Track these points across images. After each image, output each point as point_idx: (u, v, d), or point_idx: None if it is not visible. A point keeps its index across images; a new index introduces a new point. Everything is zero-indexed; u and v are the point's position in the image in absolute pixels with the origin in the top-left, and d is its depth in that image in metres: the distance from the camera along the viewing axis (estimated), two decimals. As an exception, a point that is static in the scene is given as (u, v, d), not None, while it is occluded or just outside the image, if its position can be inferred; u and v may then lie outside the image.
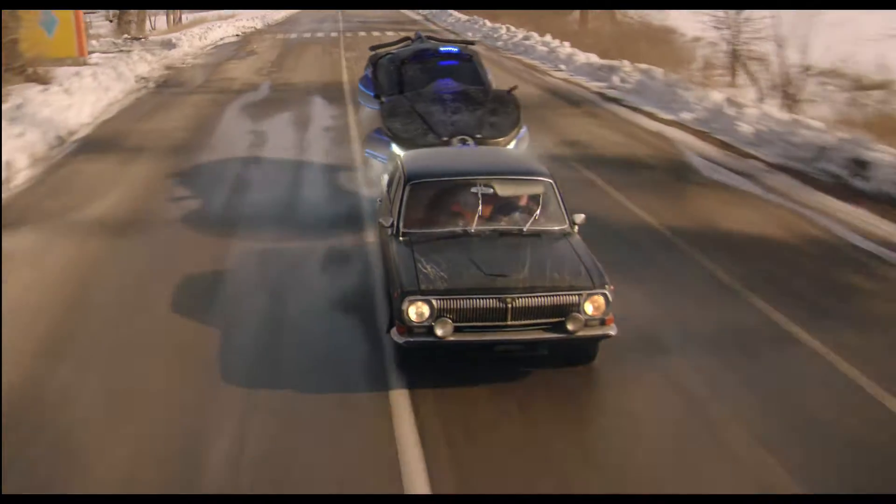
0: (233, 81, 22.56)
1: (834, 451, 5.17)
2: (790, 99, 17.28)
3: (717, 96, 15.55)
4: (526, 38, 29.88)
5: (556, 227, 6.56)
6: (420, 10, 57.25)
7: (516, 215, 6.67)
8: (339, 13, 56.71)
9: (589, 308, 5.78)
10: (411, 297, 5.74)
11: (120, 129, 15.84)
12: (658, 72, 18.87)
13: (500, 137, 9.51)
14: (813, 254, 8.65)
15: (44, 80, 21.47)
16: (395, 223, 6.58)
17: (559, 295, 5.80)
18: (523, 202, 6.78)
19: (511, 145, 9.63)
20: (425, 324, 5.73)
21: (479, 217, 6.55)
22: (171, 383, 6.05)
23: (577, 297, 5.78)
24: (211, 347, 6.56)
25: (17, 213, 10.12)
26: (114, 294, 7.71)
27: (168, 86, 22.17)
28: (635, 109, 16.93)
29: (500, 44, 31.54)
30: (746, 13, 20.96)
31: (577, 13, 37.32)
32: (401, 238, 6.46)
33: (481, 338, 5.79)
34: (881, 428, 5.42)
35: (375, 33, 37.45)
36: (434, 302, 5.74)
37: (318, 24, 47.88)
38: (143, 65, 24.87)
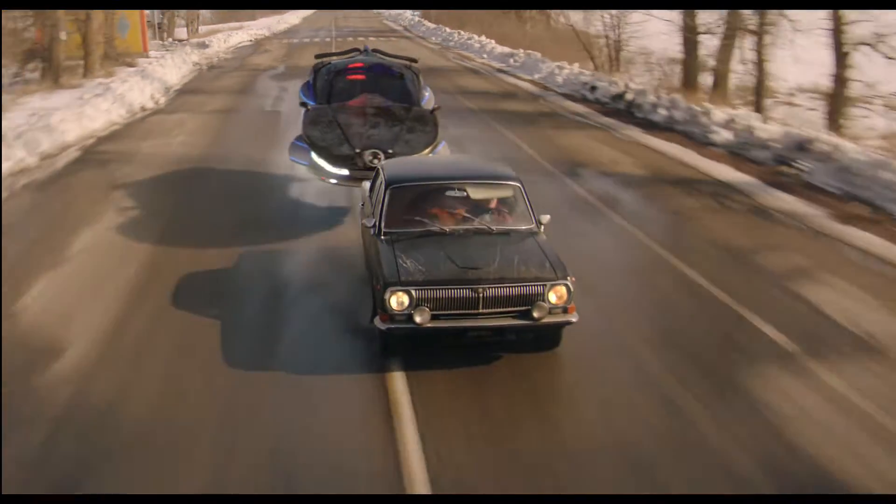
0: (258, 65, 33.13)
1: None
2: (609, 67, 27.96)
3: (554, 66, 26.16)
4: (469, 38, 40.71)
5: (524, 227, 7.17)
6: (399, 21, 68.22)
7: (487, 216, 7.23)
8: (332, 24, 67.38)
9: (552, 297, 6.37)
10: (393, 288, 6.30)
11: (198, 86, 26.37)
12: (537, 55, 29.46)
13: (413, 153, 9.84)
14: (584, 144, 19.21)
15: (131, 65, 32.04)
16: (377, 223, 7.14)
17: (525, 285, 6.37)
18: (493, 204, 7.35)
19: None
20: (405, 312, 6.30)
21: (454, 217, 7.18)
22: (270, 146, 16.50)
23: (541, 287, 6.37)
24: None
25: (172, 109, 20.63)
26: (232, 130, 18.19)
27: (215, 68, 32.76)
28: (511, 75, 27.68)
29: (451, 43, 42.47)
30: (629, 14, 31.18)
31: (527, 20, 48.14)
32: (382, 237, 7.01)
33: (456, 324, 6.37)
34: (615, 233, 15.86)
35: (360, 38, 48.10)
36: (413, 292, 6.30)
37: (314, 33, 58.43)
38: (194, 56, 35.42)
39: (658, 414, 5.89)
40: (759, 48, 20.01)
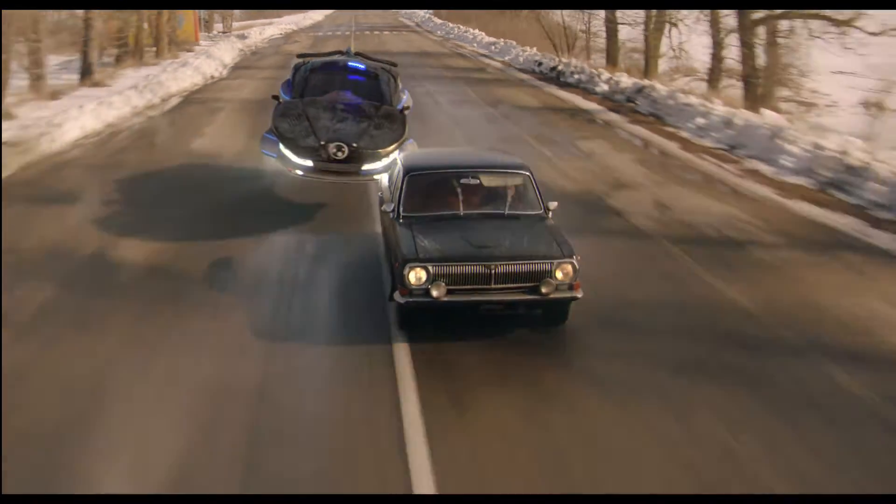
0: (291, 51, 40.73)
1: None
2: (568, 51, 35.80)
3: (520, 50, 33.97)
4: (466, 31, 48.68)
5: (533, 212, 7.76)
6: (411, 16, 76.22)
7: (499, 202, 7.83)
8: (352, 20, 75.32)
9: (559, 274, 6.89)
10: (411, 264, 6.83)
11: (247, 64, 34.39)
12: (512, 43, 37.27)
13: (377, 149, 10.20)
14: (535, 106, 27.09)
15: (189, 50, 40.14)
16: (396, 208, 7.75)
17: (534, 263, 6.90)
18: (505, 191, 7.94)
19: (388, 159, 10.11)
20: (423, 286, 6.81)
21: (467, 203, 7.74)
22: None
23: (549, 264, 6.90)
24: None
25: (233, 77, 28.63)
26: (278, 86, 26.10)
27: (256, 53, 40.81)
28: (488, 57, 35.63)
29: (451, 35, 50.59)
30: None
31: (523, 18, 56.00)
32: (401, 220, 7.60)
33: (469, 298, 6.88)
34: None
35: (376, 32, 56.16)
36: (430, 268, 6.81)
37: (336, 28, 66.42)
38: (239, 44, 43.50)
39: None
40: (648, 35, 27.70)
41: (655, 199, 11.44)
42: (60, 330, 7.28)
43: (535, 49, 33.35)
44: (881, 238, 9.75)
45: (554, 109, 20.29)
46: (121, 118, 19.09)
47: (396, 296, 6.97)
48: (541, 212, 7.75)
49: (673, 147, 15.50)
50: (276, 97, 11.64)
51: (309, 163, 10.18)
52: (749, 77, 20.21)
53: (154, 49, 36.95)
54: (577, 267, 6.93)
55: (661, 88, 20.02)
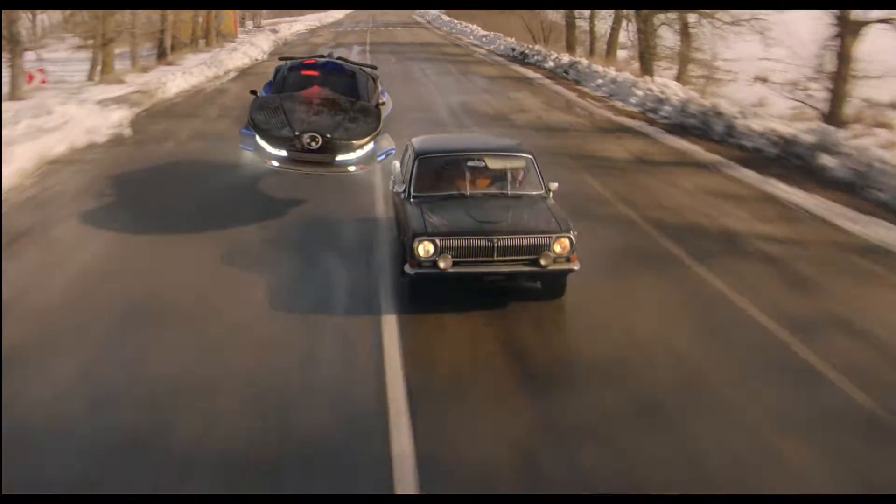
0: (317, 42, 49.21)
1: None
2: (545, 41, 43.70)
3: (503, 40, 41.81)
4: (466, 27, 56.70)
5: (534, 192, 8.31)
6: (424, 15, 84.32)
7: (503, 182, 8.36)
8: (370, 18, 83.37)
9: (557, 248, 7.40)
10: (420, 238, 7.37)
11: (283, 51, 42.37)
12: (500, 35, 45.12)
13: (350, 140, 10.39)
14: (512, 75, 35.07)
15: (231, 41, 48.34)
16: (407, 189, 8.30)
17: (534, 237, 7.43)
18: (509, 173, 8.42)
19: (362, 151, 10.51)
20: (431, 258, 7.35)
21: (474, 184, 8.30)
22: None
23: (547, 238, 7.42)
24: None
25: (274, 59, 36.67)
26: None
27: (288, 44, 48.92)
28: (478, 47, 43.74)
29: (454, 30, 58.89)
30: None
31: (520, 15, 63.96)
32: (411, 200, 8.15)
33: (474, 270, 7.44)
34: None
35: (390, 28, 64.30)
36: (437, 241, 7.36)
37: (355, 24, 74.51)
38: (272, 37, 51.64)
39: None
40: (592, 25, 35.50)
41: (538, 117, 19.33)
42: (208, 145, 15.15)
43: (513, 39, 41.27)
44: (652, 129, 17.59)
45: (507, 77, 28.25)
46: (200, 82, 27.15)
47: (406, 268, 7.50)
48: (542, 192, 8.34)
49: (572, 95, 23.42)
50: (254, 92, 11.78)
51: (283, 153, 10.44)
52: (643, 53, 27.91)
53: (205, 39, 45.18)
54: (574, 241, 7.45)
55: (584, 63, 27.90)
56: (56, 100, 18.15)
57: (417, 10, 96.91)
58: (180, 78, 26.34)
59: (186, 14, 41.87)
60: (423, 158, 8.47)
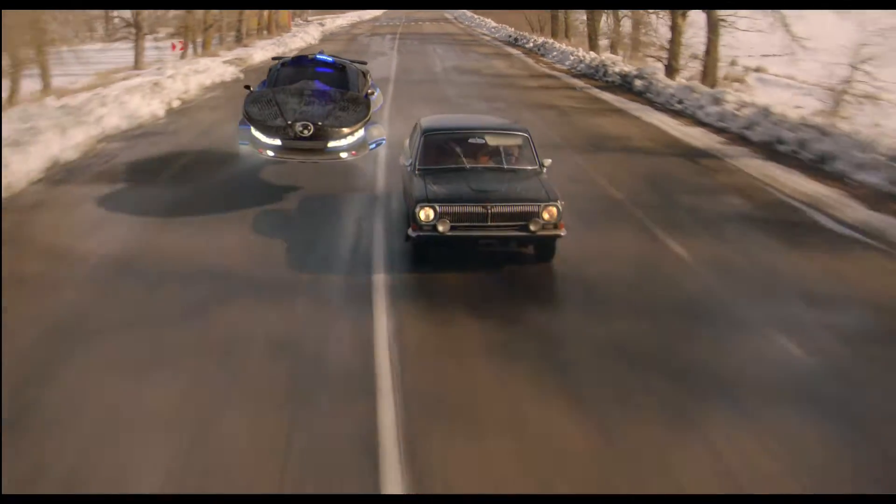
0: (356, 33, 60.05)
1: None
2: (541, 29, 54.10)
3: (505, 29, 52.22)
4: (483, 21, 67.29)
5: (529, 167, 9.17)
6: (453, 12, 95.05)
7: (500, 158, 9.24)
8: (404, 15, 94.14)
9: (545, 215, 8.22)
10: (422, 204, 8.24)
11: (328, 38, 53.27)
12: (505, 26, 55.49)
13: (342, 128, 10.94)
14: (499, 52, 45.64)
15: (286, 32, 59.31)
16: (413, 162, 9.20)
17: (524, 205, 8.28)
18: (507, 149, 9.33)
19: (353, 137, 11.09)
20: (431, 223, 8.20)
21: (474, 159, 9.17)
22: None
23: (536, 206, 8.26)
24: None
25: (322, 44, 47.46)
26: (351, 45, 44.90)
27: (334, 33, 59.75)
28: (486, 35, 54.27)
29: (473, 24, 69.45)
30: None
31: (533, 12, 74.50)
32: (416, 172, 9.00)
33: (469, 233, 8.31)
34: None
35: (420, 22, 75.04)
36: (437, 207, 8.20)
37: (390, 20, 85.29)
38: (320, 28, 62.52)
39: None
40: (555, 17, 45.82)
41: (498, 71, 29.76)
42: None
43: (514, 29, 51.68)
44: (564, 76, 28.00)
45: (495, 54, 38.71)
46: (282, 54, 37.82)
47: (410, 231, 8.40)
48: (536, 167, 9.19)
49: (530, 62, 34.02)
50: (248, 87, 12.30)
51: (277, 142, 10.85)
52: (591, 35, 38.18)
53: (267, 30, 56.14)
54: (561, 209, 8.30)
55: (554, 43, 38.30)
56: (193, 62, 28.96)
57: (449, 9, 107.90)
58: (259, 52, 37.08)
59: (252, 11, 52.88)
60: (429, 135, 9.36)
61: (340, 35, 57.53)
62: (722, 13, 22.86)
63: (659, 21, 39.72)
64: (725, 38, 22.88)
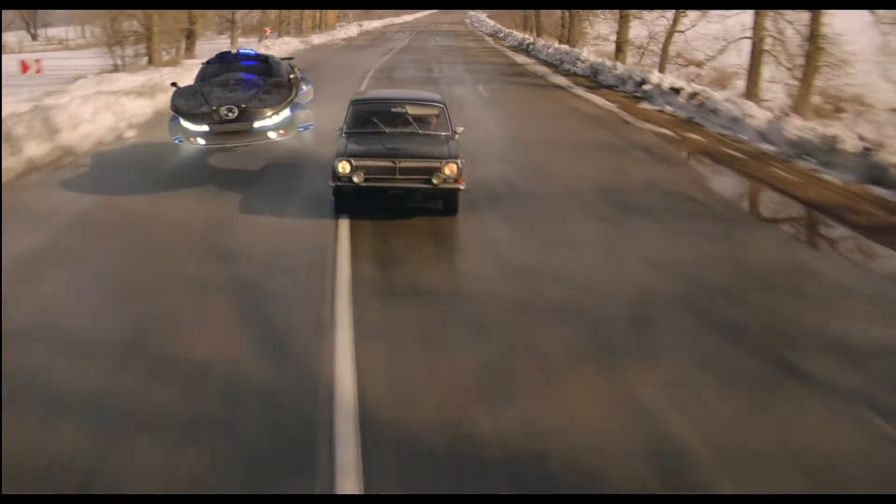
0: (385, 31, 78.51)
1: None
2: (525, 27, 72.46)
3: (500, 28, 70.45)
4: (485, 21, 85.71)
5: (443, 133, 10.35)
6: (468, 14, 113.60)
7: (418, 125, 10.40)
8: (432, 20, 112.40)
9: (447, 171, 9.45)
10: (339, 158, 9.51)
11: (364, 34, 71.85)
12: (500, 25, 73.64)
13: (265, 108, 11.50)
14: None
15: (333, 29, 78.17)
16: (343, 127, 10.38)
17: (427, 160, 9.51)
18: (424, 118, 10.51)
19: (279, 117, 11.62)
20: (348, 175, 9.45)
21: (393, 125, 10.37)
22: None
23: (438, 163, 9.48)
24: None
25: (360, 37, 65.98)
26: (380, 41, 63.36)
27: (369, 31, 78.31)
28: (484, 33, 72.26)
29: (478, 23, 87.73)
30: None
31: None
32: (343, 135, 10.20)
33: (380, 185, 9.57)
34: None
35: (438, 24, 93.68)
36: (353, 161, 9.44)
37: (416, 23, 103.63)
38: (358, 28, 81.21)
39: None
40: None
41: (474, 55, 47.89)
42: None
43: (502, 27, 69.81)
44: (557, 77, 46.15)
45: (474, 40, 56.88)
46: (328, 41, 56.60)
47: (330, 182, 9.61)
48: (449, 133, 10.34)
49: (512, 54, 52.20)
50: (174, 84, 12.60)
51: (205, 128, 11.25)
52: (568, 32, 56.21)
53: (318, 27, 75.05)
54: (461, 167, 9.51)
55: (537, 41, 56.50)
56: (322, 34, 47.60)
57: (467, 12, 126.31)
58: (316, 39, 55.53)
59: (309, 12, 71.77)
60: (357, 104, 10.70)
61: (372, 33, 76.30)
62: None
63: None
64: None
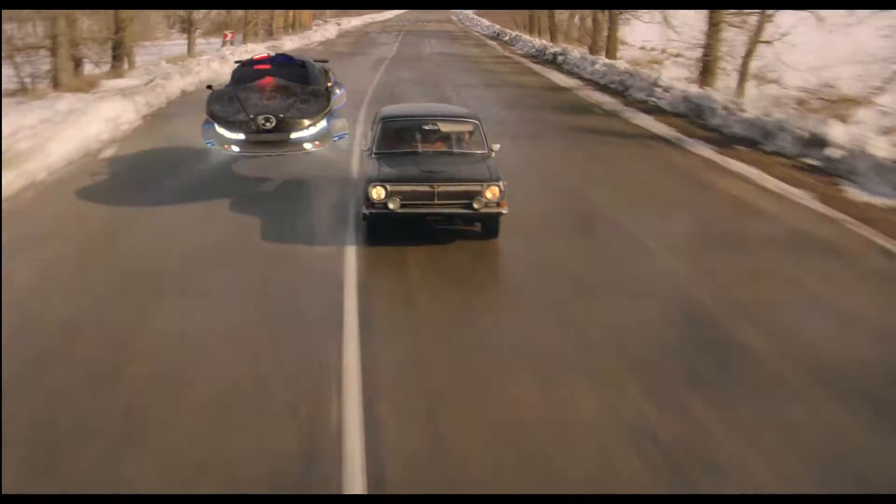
0: (368, 31, 69.65)
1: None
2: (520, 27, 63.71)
3: (494, 27, 61.77)
4: (479, 21, 76.89)
5: (478, 152, 9.77)
6: (458, 14, 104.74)
7: (452, 143, 9.87)
8: (415, 18, 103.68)
9: (488, 194, 8.85)
10: (374, 183, 8.86)
11: (343, 35, 62.92)
12: (496, 24, 64.96)
13: (303, 119, 11.33)
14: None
15: (308, 29, 69.07)
16: (371, 147, 9.82)
17: (468, 184, 8.93)
18: (458, 135, 9.95)
19: (315, 128, 11.45)
20: (382, 201, 8.82)
21: (426, 143, 9.79)
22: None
23: (480, 186, 8.89)
24: None
25: (339, 39, 57.07)
26: (363, 40, 54.44)
27: (349, 31, 69.39)
28: (478, 33, 63.74)
29: (469, 23, 79.12)
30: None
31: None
32: (373, 155, 9.63)
33: (417, 211, 8.92)
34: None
35: (425, 22, 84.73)
36: (388, 186, 8.83)
37: (400, 21, 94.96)
38: (337, 27, 72.16)
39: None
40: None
41: (472, 55, 39.37)
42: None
43: (499, 27, 61.09)
44: (640, 117, 37.41)
45: (476, 44, 48.38)
46: (307, 45, 47.65)
47: (363, 209, 8.98)
48: (485, 151, 9.76)
49: (499, 48, 43.57)
50: (210, 87, 12.69)
51: (241, 136, 11.22)
52: (551, 30, 47.55)
53: (292, 27, 65.88)
54: (503, 189, 8.89)
55: (522, 35, 47.74)
56: (241, 48, 38.61)
57: (455, 10, 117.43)
58: (288, 43, 46.52)
59: (280, 11, 62.62)
60: (386, 121, 10.05)
61: (352, 33, 67.22)
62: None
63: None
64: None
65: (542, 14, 53.30)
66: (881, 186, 11.82)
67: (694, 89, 19.76)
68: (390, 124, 10.07)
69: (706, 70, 21.83)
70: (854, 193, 11.80)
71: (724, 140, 15.78)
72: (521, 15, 64.34)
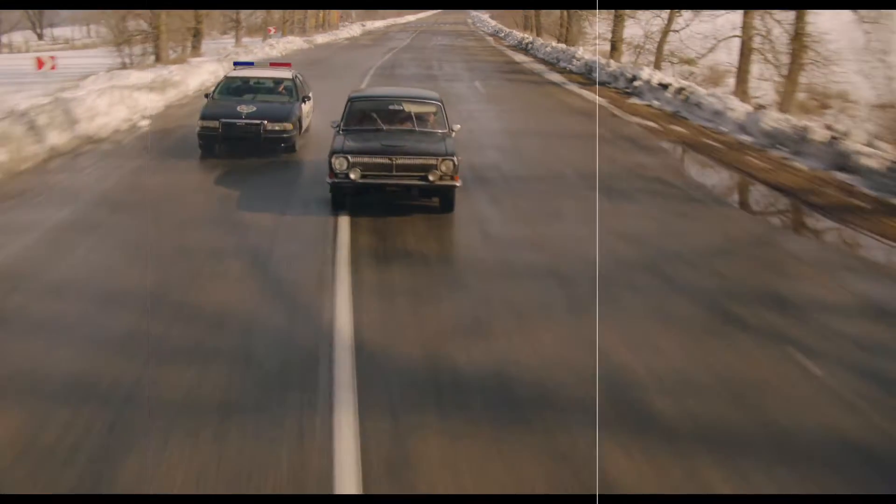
0: (388, 31, 79.47)
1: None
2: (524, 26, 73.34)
3: (499, 26, 71.47)
4: (487, 21, 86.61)
5: (439, 131, 10.54)
6: (471, 14, 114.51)
7: (415, 122, 10.61)
8: (434, 20, 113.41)
9: (443, 168, 9.58)
10: (336, 155, 9.67)
11: (367, 34, 72.82)
12: (501, 24, 74.62)
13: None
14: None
15: (336, 28, 79.19)
16: (340, 124, 10.65)
17: (424, 158, 9.66)
18: (421, 115, 10.72)
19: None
20: (344, 171, 9.61)
21: (391, 122, 10.56)
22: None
23: (435, 160, 9.62)
24: None
25: (363, 37, 66.99)
26: (384, 39, 64.30)
27: (371, 32, 79.23)
28: (483, 31, 73.31)
29: (480, 23, 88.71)
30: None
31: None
32: (340, 132, 10.40)
33: (377, 181, 9.70)
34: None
35: (440, 24, 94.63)
36: (349, 158, 9.58)
37: (419, 23, 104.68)
38: (361, 28, 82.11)
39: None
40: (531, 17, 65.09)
41: (473, 51, 48.74)
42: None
43: (503, 26, 70.69)
44: (552, 74, 47.09)
45: (474, 39, 57.86)
46: (335, 40, 57.51)
47: (327, 179, 9.81)
48: (446, 131, 10.51)
49: (511, 53, 53.08)
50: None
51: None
52: (536, 27, 57.06)
53: (322, 26, 75.99)
54: (457, 164, 9.64)
55: (536, 40, 57.36)
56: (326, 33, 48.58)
57: (469, 12, 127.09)
58: (320, 38, 56.45)
59: (313, 12, 72.73)
60: (354, 101, 10.92)
61: (374, 32, 77.13)
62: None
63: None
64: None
65: (535, 15, 62.92)
66: (648, 97, 22.25)
67: (589, 57, 29.70)
68: (358, 104, 10.96)
69: (613, 48, 31.61)
70: (633, 100, 22.19)
71: (590, 83, 26.45)
72: (521, 16, 74.01)
